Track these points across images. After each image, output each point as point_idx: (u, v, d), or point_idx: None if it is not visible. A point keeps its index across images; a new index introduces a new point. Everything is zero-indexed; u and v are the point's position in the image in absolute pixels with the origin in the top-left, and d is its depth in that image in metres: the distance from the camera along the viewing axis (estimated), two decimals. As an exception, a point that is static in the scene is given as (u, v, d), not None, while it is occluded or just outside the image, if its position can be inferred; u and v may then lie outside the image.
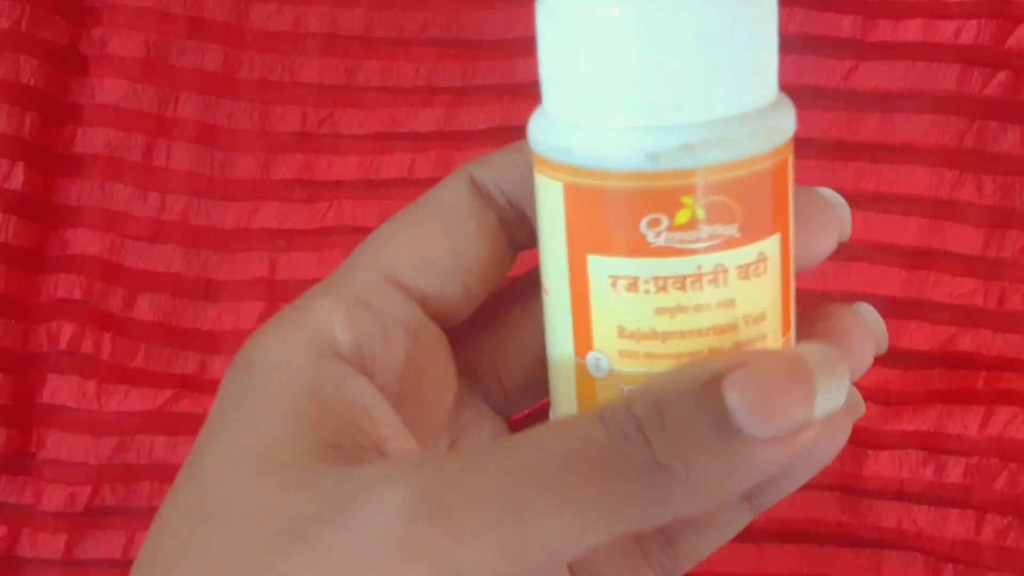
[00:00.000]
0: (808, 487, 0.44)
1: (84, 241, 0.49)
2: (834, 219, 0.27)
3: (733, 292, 0.24)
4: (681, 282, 0.23)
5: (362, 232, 0.50)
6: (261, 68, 0.49)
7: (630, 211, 0.23)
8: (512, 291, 0.28)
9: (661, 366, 0.24)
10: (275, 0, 0.49)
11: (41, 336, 0.48)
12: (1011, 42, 0.46)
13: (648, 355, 0.24)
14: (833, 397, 0.23)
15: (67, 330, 0.48)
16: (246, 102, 0.49)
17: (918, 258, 0.46)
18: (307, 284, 0.48)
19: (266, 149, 0.49)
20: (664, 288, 0.23)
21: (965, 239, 0.45)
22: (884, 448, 0.44)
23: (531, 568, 0.21)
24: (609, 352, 0.24)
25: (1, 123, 0.48)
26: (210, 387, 0.48)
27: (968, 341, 0.45)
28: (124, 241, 0.49)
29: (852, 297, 0.46)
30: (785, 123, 0.24)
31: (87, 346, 0.48)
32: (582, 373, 0.25)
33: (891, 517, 0.44)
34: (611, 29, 0.23)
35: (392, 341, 0.26)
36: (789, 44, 0.47)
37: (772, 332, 0.25)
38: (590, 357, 0.25)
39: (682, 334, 0.24)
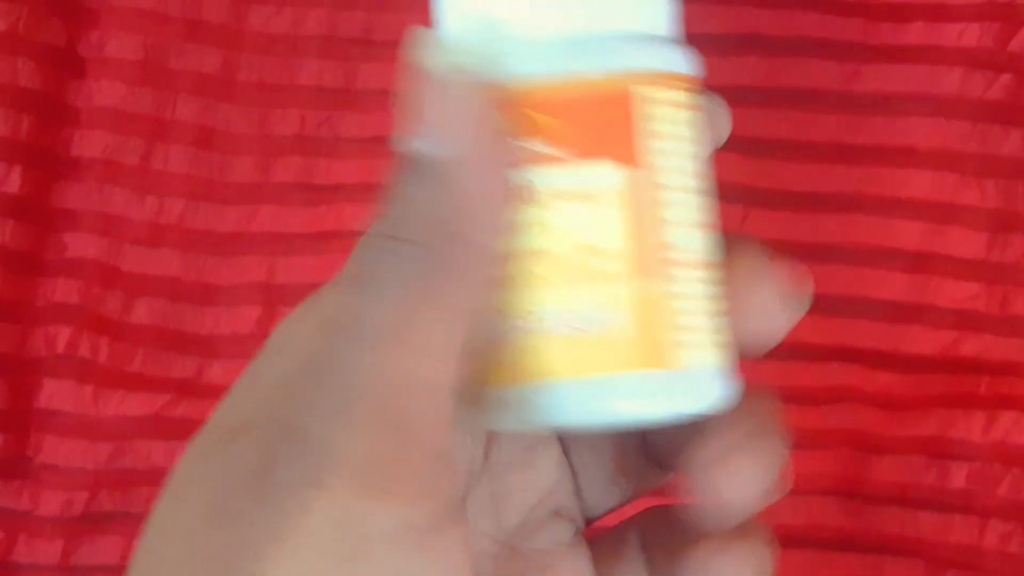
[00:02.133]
0: (810, 492, 0.45)
1: (81, 245, 0.48)
2: (782, 309, 0.27)
3: (552, 216, 0.24)
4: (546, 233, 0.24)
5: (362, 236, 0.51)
6: (260, 71, 0.49)
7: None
8: None
9: None
10: (274, 2, 0.49)
11: (38, 340, 0.48)
12: (1014, 45, 0.46)
13: None
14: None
15: (64, 334, 0.48)
16: (245, 105, 0.49)
17: (920, 262, 0.45)
18: (306, 288, 0.48)
19: (265, 152, 0.49)
20: None
21: (968, 243, 0.45)
22: (886, 453, 0.44)
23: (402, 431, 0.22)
24: None
25: (-2, 126, 0.48)
26: (208, 392, 0.47)
27: (971, 345, 0.45)
28: (122, 245, 0.48)
29: (854, 301, 0.46)
30: (636, 53, 0.24)
31: (84, 350, 0.47)
32: None
33: (893, 523, 0.44)
34: None
35: None
36: (790, 47, 0.47)
37: (624, 272, 0.24)
38: None
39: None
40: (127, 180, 0.49)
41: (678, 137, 0.25)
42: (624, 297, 0.24)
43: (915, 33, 0.46)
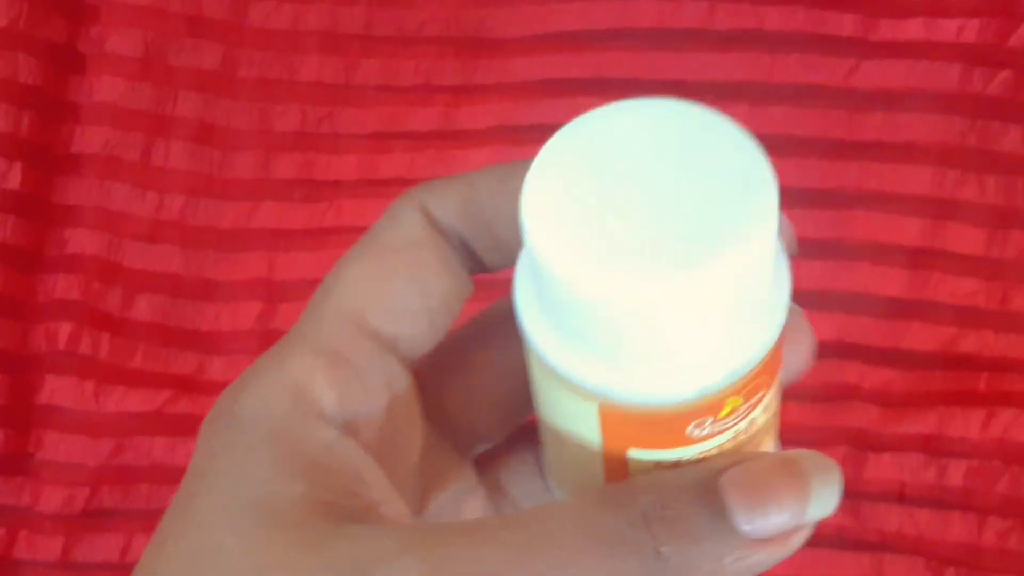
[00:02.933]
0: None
1: (82, 241, 0.48)
2: (808, 335, 0.26)
3: (750, 430, 0.24)
4: (719, 449, 0.24)
5: (361, 232, 0.51)
6: (260, 66, 0.49)
7: (677, 423, 0.23)
8: (472, 329, 0.28)
9: None
10: (274, -2, 0.49)
11: (39, 336, 0.48)
12: (1013, 41, 0.46)
13: None
14: (825, 504, 0.23)
15: (65, 330, 0.48)
16: (245, 101, 0.49)
17: (920, 258, 0.45)
18: (306, 284, 0.48)
19: (265, 148, 0.49)
20: (705, 458, 0.24)
21: (967, 239, 0.45)
22: (885, 450, 0.44)
23: None
24: None
25: (-1, 122, 0.48)
26: (208, 388, 0.47)
27: (970, 342, 0.45)
28: (122, 241, 0.48)
29: (853, 297, 0.46)
30: (790, 285, 0.24)
31: (85, 346, 0.47)
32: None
33: (892, 520, 0.44)
34: (661, 293, 0.21)
35: (373, 398, 0.25)
36: (791, 43, 0.47)
37: (767, 445, 0.25)
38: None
39: None
40: (127, 176, 0.49)
41: None
42: None
43: (914, 29, 0.46)
